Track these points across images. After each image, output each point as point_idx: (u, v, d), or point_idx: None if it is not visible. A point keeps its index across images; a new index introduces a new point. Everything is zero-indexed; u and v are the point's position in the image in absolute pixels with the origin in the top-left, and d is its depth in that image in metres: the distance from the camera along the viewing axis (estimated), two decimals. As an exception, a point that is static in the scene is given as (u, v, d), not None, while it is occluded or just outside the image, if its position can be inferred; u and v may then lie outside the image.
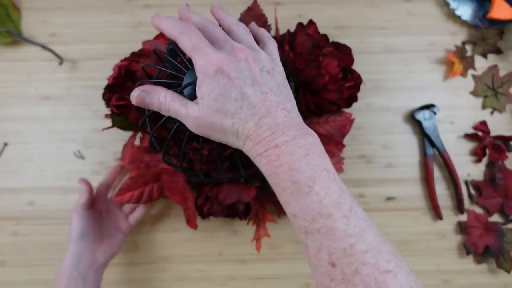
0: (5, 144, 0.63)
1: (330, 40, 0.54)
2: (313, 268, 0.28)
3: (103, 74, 0.64)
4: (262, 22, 0.56)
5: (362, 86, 0.64)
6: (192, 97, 0.35)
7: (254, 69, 0.30)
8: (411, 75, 0.65)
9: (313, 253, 0.27)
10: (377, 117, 0.63)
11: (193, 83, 0.34)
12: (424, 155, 0.62)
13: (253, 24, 0.38)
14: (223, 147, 0.46)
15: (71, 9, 0.67)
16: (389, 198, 0.61)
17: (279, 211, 0.58)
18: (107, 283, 0.59)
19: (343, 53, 0.53)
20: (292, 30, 0.59)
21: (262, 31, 0.37)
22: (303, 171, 0.28)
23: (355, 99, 0.54)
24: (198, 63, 0.30)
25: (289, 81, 0.52)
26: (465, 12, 0.65)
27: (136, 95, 0.33)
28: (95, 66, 0.65)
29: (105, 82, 0.59)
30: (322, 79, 0.49)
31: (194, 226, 0.53)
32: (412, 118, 0.63)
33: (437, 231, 0.61)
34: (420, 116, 0.62)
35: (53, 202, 0.61)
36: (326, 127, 0.55)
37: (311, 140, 0.29)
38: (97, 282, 0.50)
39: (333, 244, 0.26)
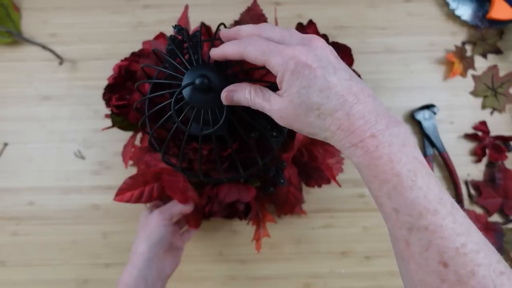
0: (5, 144, 0.63)
1: (330, 40, 0.54)
2: (415, 267, 0.26)
3: (103, 74, 0.64)
4: (262, 22, 0.56)
5: (362, 86, 0.64)
6: (191, 98, 0.35)
7: (331, 56, 0.29)
8: (411, 75, 0.65)
9: (419, 251, 0.25)
10: (377, 117, 0.63)
11: (192, 84, 0.34)
12: (424, 155, 0.62)
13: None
14: (223, 147, 0.46)
15: (71, 9, 0.67)
16: (389, 198, 0.61)
17: (279, 211, 0.58)
18: (107, 283, 0.59)
19: (343, 53, 0.53)
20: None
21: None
22: (404, 163, 0.26)
23: None
24: (274, 62, 0.29)
25: None
26: (465, 12, 0.65)
27: (225, 96, 0.33)
28: (95, 66, 0.65)
29: (105, 82, 0.59)
30: None
31: (195, 226, 0.53)
32: (412, 118, 0.63)
33: (437, 231, 0.61)
34: (420, 116, 0.62)
35: (53, 202, 0.61)
36: None
37: (403, 129, 0.27)
38: None
39: (444, 243, 0.25)
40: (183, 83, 0.36)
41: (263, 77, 0.48)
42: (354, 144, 0.28)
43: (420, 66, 0.65)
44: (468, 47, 0.65)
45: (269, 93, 0.32)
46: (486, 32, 0.64)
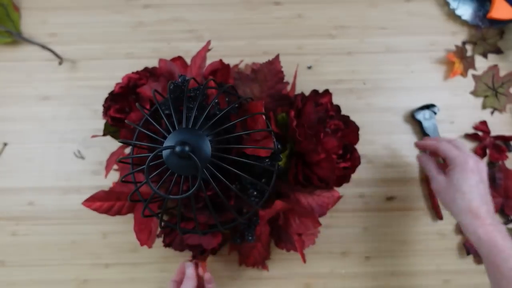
0: (5, 144, 0.63)
1: (340, 110, 0.54)
2: None
3: (103, 74, 0.64)
4: (278, 78, 0.54)
5: (362, 86, 0.64)
6: (168, 160, 0.34)
7: (483, 171, 0.48)
8: (411, 75, 0.65)
9: None
10: (377, 117, 0.63)
11: (172, 147, 0.33)
12: (424, 155, 0.62)
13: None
14: (197, 200, 0.45)
15: (70, 9, 0.67)
16: (389, 198, 0.61)
17: (241, 261, 0.57)
18: (108, 283, 0.59)
19: (350, 130, 0.52)
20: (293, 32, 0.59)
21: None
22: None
23: (347, 179, 0.52)
24: (459, 160, 0.47)
25: (285, 146, 0.51)
26: (466, 12, 0.65)
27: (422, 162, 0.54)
28: (95, 66, 0.65)
29: (105, 82, 0.59)
30: (317, 156, 0.48)
31: (148, 244, 0.51)
32: (412, 118, 0.63)
33: (437, 231, 0.61)
34: (420, 116, 0.62)
35: (53, 202, 0.61)
36: (309, 199, 0.52)
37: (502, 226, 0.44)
38: None
39: None
40: (166, 144, 0.35)
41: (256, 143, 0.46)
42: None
43: (421, 66, 0.65)
44: (469, 47, 0.65)
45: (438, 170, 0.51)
46: (487, 32, 0.64)
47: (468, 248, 0.59)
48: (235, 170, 0.37)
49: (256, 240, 0.52)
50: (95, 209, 0.50)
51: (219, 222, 0.41)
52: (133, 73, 0.52)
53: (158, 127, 0.37)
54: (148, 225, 0.50)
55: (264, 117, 0.42)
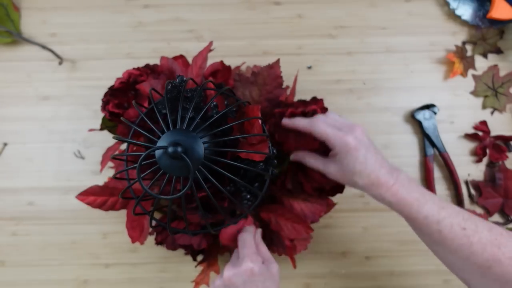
0: (5, 144, 0.63)
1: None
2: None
3: (103, 74, 0.64)
4: (277, 83, 0.53)
5: (362, 86, 0.64)
6: (161, 160, 0.34)
7: (365, 138, 0.45)
8: (411, 75, 0.65)
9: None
10: (377, 117, 0.63)
11: (165, 147, 0.33)
12: (424, 155, 0.62)
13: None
14: (191, 200, 0.45)
15: (70, 9, 0.67)
16: (389, 198, 0.61)
17: None
18: (107, 283, 0.59)
19: None
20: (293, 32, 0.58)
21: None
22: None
23: (340, 190, 0.50)
24: (339, 143, 0.43)
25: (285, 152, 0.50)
26: (465, 12, 0.65)
27: (293, 158, 0.48)
28: (95, 66, 0.65)
29: (105, 82, 0.59)
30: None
31: (141, 241, 0.51)
32: (412, 118, 0.63)
33: (437, 231, 0.60)
34: (420, 116, 0.62)
35: (53, 202, 0.61)
36: (302, 205, 0.51)
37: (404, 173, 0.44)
38: None
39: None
40: (159, 143, 0.35)
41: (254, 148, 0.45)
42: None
43: (420, 66, 0.65)
44: (469, 47, 0.65)
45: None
46: (487, 32, 0.64)
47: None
48: (227, 174, 0.37)
49: None
50: (89, 203, 0.50)
51: (210, 224, 0.41)
52: (134, 69, 0.52)
53: (153, 127, 0.37)
54: (141, 222, 0.50)
55: (260, 121, 0.42)
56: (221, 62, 0.53)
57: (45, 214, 0.61)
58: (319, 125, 0.44)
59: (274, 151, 0.43)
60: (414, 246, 0.60)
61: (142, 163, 0.32)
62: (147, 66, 0.53)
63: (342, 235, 0.60)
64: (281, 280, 0.59)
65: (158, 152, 0.35)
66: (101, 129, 0.55)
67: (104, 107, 0.52)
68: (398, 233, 0.61)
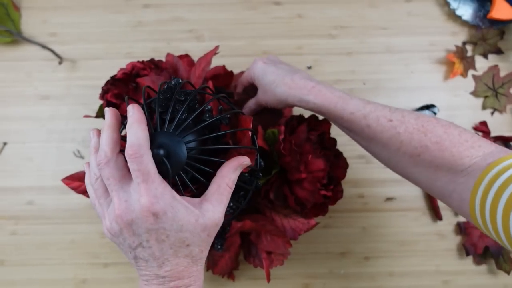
0: (5, 144, 0.63)
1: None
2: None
3: (103, 73, 0.64)
4: None
5: (362, 86, 0.64)
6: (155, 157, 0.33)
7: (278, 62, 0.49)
8: (411, 75, 0.65)
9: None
10: (377, 117, 0.63)
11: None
12: (424, 155, 0.62)
13: None
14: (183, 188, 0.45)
15: (70, 9, 0.67)
16: (389, 199, 0.61)
17: (208, 267, 0.55)
18: (106, 282, 0.59)
19: (339, 164, 0.50)
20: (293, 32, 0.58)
21: None
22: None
23: (323, 211, 0.49)
24: (251, 71, 0.49)
25: (271, 166, 0.49)
26: (466, 12, 0.65)
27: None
28: (94, 65, 0.65)
29: (105, 82, 0.59)
30: (298, 174, 0.45)
31: None
32: (412, 119, 0.62)
33: (437, 231, 0.60)
34: (420, 116, 0.61)
35: (52, 201, 0.61)
36: (283, 220, 0.50)
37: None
38: None
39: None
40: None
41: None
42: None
43: (421, 66, 0.65)
44: (469, 47, 0.65)
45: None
46: (487, 32, 0.64)
47: (468, 249, 0.59)
48: (204, 180, 0.36)
49: (225, 250, 0.51)
50: (73, 188, 0.49)
51: None
52: (138, 62, 0.52)
53: (147, 122, 0.36)
54: None
55: (250, 133, 0.41)
56: (223, 67, 0.53)
57: (44, 214, 0.61)
58: (241, 78, 0.50)
59: (262, 163, 0.43)
60: (413, 246, 0.60)
61: None
62: (151, 60, 0.53)
63: (341, 235, 0.60)
64: (280, 280, 0.59)
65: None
66: (97, 116, 0.55)
67: (103, 96, 0.51)
68: (397, 233, 0.60)
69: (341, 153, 0.52)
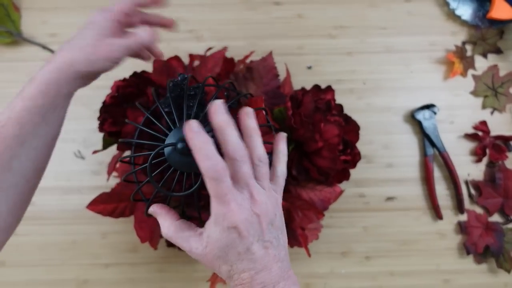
0: (5, 144, 0.63)
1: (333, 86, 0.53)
2: None
3: (103, 73, 0.64)
4: (273, 74, 0.54)
5: (362, 86, 0.64)
6: (170, 157, 0.34)
7: (263, 224, 0.32)
8: (411, 75, 0.65)
9: None
10: (377, 117, 0.63)
11: (174, 144, 0.33)
12: (424, 155, 0.62)
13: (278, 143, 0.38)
14: (200, 199, 0.44)
15: (71, 9, 0.67)
16: (389, 198, 0.61)
17: None
18: (107, 283, 0.59)
19: (351, 128, 0.51)
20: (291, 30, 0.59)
21: (278, 154, 0.37)
22: None
23: (347, 177, 0.50)
24: (216, 210, 0.31)
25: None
26: (465, 12, 0.65)
27: (151, 211, 0.36)
28: (95, 66, 0.65)
29: (105, 82, 0.59)
30: (315, 144, 0.46)
31: (153, 244, 0.51)
32: (412, 118, 0.63)
33: (437, 231, 0.61)
34: (420, 116, 0.62)
35: (53, 202, 0.61)
36: (310, 194, 0.51)
37: None
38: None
39: None
40: (168, 141, 0.35)
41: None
42: None
43: (420, 66, 0.65)
44: (468, 47, 0.65)
45: (190, 232, 0.33)
46: (486, 32, 0.64)
47: (468, 248, 0.59)
48: None
49: None
50: (100, 212, 0.49)
51: None
52: (120, 80, 0.50)
53: (159, 125, 0.37)
54: (149, 223, 0.50)
55: (264, 112, 0.42)
56: (223, 54, 0.53)
57: (45, 214, 0.61)
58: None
59: None
60: (414, 245, 0.60)
61: (152, 162, 0.33)
62: (134, 74, 0.52)
63: (342, 235, 0.61)
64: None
65: (167, 150, 0.35)
66: (104, 148, 0.55)
67: (101, 128, 0.51)
68: (398, 233, 0.61)
69: (350, 117, 0.52)
